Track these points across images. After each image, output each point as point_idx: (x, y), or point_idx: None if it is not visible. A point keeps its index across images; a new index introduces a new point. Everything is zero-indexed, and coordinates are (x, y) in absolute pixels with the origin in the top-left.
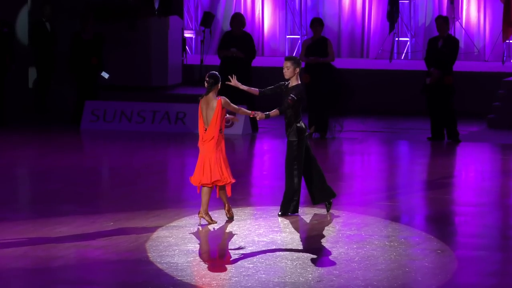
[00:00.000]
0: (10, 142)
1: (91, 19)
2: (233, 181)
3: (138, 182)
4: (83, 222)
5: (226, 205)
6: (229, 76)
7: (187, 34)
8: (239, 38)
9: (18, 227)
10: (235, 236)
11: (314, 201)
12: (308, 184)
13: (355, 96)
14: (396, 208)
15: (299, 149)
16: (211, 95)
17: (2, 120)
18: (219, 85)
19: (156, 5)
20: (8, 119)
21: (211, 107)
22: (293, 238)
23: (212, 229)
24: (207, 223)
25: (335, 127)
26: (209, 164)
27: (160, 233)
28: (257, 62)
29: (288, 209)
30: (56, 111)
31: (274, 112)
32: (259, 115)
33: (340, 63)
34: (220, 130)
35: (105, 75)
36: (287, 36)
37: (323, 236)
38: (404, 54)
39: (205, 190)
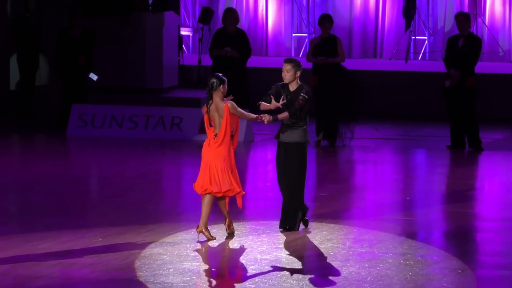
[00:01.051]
0: None
1: (80, 14)
2: (243, 192)
3: (130, 194)
4: (69, 237)
5: (227, 219)
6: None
7: (184, 32)
8: (233, 36)
9: None
10: (235, 254)
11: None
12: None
13: (367, 100)
14: (412, 223)
15: (306, 155)
16: (218, 99)
17: None
18: (224, 87)
19: (151, 0)
20: None
21: (220, 113)
22: (299, 256)
23: (210, 246)
24: (206, 239)
25: (345, 134)
26: (216, 172)
27: (154, 249)
28: (260, 62)
29: (296, 222)
30: (40, 115)
31: (283, 114)
32: (266, 118)
33: (351, 63)
34: (232, 136)
35: (94, 76)
36: (294, 34)
37: (332, 254)
38: (421, 54)
39: (207, 200)
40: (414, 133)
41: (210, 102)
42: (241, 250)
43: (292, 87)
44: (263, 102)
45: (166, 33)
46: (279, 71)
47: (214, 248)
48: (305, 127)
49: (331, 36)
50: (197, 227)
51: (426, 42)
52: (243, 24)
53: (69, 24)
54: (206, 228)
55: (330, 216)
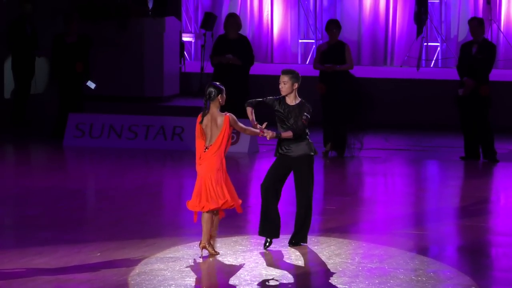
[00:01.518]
0: None
1: (76, 19)
2: (240, 201)
3: (129, 207)
4: (65, 252)
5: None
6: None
7: (186, 38)
8: (235, 42)
9: None
10: (240, 269)
11: (260, 233)
12: (265, 210)
13: (377, 109)
14: (424, 237)
15: (313, 167)
16: (215, 109)
17: None
18: (222, 97)
19: (150, 4)
20: None
21: (218, 124)
22: (306, 272)
23: (213, 261)
24: (209, 254)
25: (354, 144)
26: (211, 186)
27: (154, 265)
28: (265, 70)
29: (306, 235)
30: (35, 124)
31: (287, 133)
32: (269, 134)
33: (360, 71)
34: (225, 150)
35: (91, 84)
36: (300, 41)
37: (340, 270)
38: (433, 61)
39: (207, 217)
40: (426, 143)
41: (207, 112)
42: (247, 264)
43: (290, 100)
44: (249, 107)
45: (166, 39)
46: None
47: (217, 263)
48: (308, 138)
49: (339, 42)
50: (200, 243)
51: (439, 48)
52: (247, 29)
53: (65, 30)
54: (210, 244)
55: (339, 230)
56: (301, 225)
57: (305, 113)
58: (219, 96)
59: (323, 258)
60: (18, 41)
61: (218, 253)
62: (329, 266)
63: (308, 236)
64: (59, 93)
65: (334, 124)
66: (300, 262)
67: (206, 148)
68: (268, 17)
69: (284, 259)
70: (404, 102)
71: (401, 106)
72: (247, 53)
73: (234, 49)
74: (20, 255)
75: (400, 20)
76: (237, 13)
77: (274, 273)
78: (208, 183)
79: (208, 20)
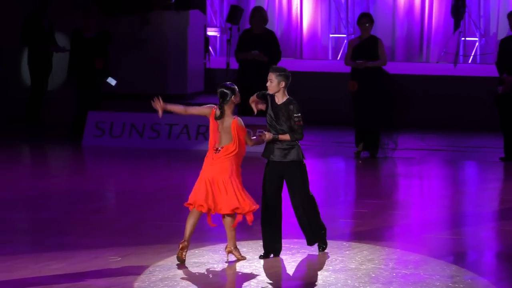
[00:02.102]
0: None
1: (95, 13)
2: (257, 206)
3: (150, 209)
4: (82, 257)
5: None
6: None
7: (211, 32)
8: (261, 37)
9: (3, 263)
10: (267, 275)
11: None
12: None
13: (411, 107)
14: (461, 243)
15: (306, 172)
16: (228, 111)
17: None
18: (236, 96)
19: None
20: None
21: (226, 127)
22: (337, 278)
23: (240, 267)
24: (236, 259)
25: (388, 144)
26: (224, 188)
27: (177, 271)
28: (295, 66)
29: (319, 238)
30: (52, 123)
31: (285, 136)
32: (267, 135)
33: (393, 67)
34: (216, 150)
35: (112, 81)
36: (331, 35)
37: (373, 276)
38: (471, 57)
39: (228, 222)
40: (463, 143)
41: (223, 112)
42: (273, 271)
43: (278, 99)
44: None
45: (191, 33)
46: (315, 75)
47: (243, 269)
48: (297, 144)
49: (371, 37)
50: (226, 247)
51: (477, 44)
52: (275, 23)
53: (83, 25)
54: (236, 248)
55: (371, 234)
56: (305, 226)
57: (294, 115)
58: (233, 97)
59: (355, 263)
60: (34, 36)
61: (245, 258)
62: (361, 272)
63: (339, 241)
64: (76, 91)
65: (366, 123)
66: (331, 268)
67: (217, 150)
68: (297, 11)
69: (313, 265)
70: (440, 100)
71: (437, 104)
72: (273, 48)
73: (260, 45)
74: (35, 260)
75: (437, 14)
76: (265, 6)
77: (304, 279)
78: (216, 186)
79: (234, 14)
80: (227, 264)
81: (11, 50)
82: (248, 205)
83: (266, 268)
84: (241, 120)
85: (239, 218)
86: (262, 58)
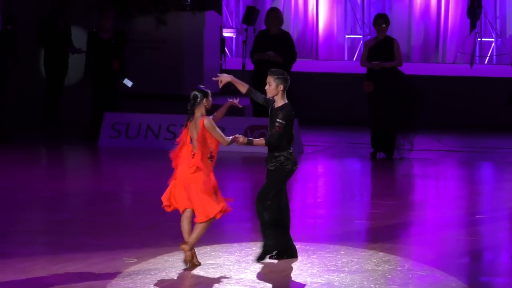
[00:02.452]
0: (13, 162)
1: (111, 14)
2: (229, 209)
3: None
4: (100, 258)
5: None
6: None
7: (227, 33)
8: (276, 38)
9: (21, 264)
10: (284, 276)
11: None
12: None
13: (427, 108)
14: (477, 243)
15: (283, 181)
16: (198, 114)
17: (2, 135)
18: (208, 100)
19: None
20: (11, 133)
21: (197, 130)
22: (353, 280)
23: (256, 268)
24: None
25: (404, 145)
26: (199, 198)
27: (194, 272)
28: (310, 67)
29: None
30: (69, 124)
31: (259, 141)
32: (240, 139)
33: (409, 68)
34: (210, 158)
35: (128, 82)
36: (347, 36)
37: (389, 277)
38: (488, 57)
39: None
40: (479, 144)
41: (191, 118)
42: (290, 271)
43: (276, 103)
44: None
45: (207, 34)
46: (330, 75)
47: (261, 270)
48: (286, 153)
49: (387, 37)
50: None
51: (493, 44)
52: (291, 24)
53: (100, 26)
54: (191, 250)
55: (387, 235)
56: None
57: (277, 119)
58: (204, 100)
59: (371, 265)
60: (51, 37)
61: (200, 264)
62: (377, 274)
63: (355, 242)
64: (93, 92)
65: (383, 124)
66: (347, 269)
67: (194, 155)
68: (313, 11)
69: (329, 267)
70: (457, 101)
71: (453, 105)
72: (289, 49)
73: (276, 46)
74: (52, 262)
75: (453, 14)
76: (281, 7)
77: (320, 281)
78: (195, 197)
79: (250, 15)
80: (242, 264)
81: (28, 50)
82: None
83: (283, 269)
84: (210, 119)
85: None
86: (278, 59)
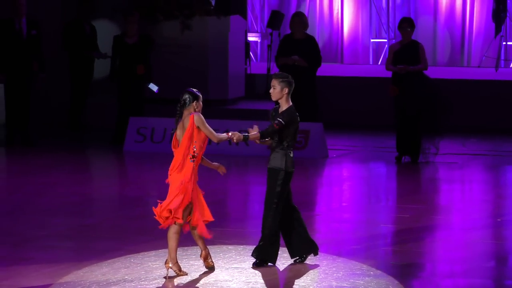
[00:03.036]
0: (38, 166)
1: (137, 19)
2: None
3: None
4: (125, 263)
5: (203, 251)
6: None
7: (252, 38)
8: (301, 42)
9: (47, 269)
10: (308, 280)
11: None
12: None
13: (453, 112)
14: (503, 247)
15: (284, 185)
16: (186, 114)
17: (28, 139)
18: (198, 104)
19: (213, 2)
20: (37, 138)
21: (185, 128)
22: (378, 283)
23: (281, 271)
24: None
25: (429, 149)
26: (173, 192)
27: (219, 276)
28: (335, 71)
29: (262, 254)
30: (94, 129)
31: (255, 135)
32: (236, 136)
33: (435, 72)
34: (193, 156)
35: (154, 87)
36: (372, 40)
37: (414, 282)
38: None
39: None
40: (505, 148)
41: (179, 119)
42: (315, 275)
43: (281, 107)
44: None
45: (231, 39)
46: (355, 80)
47: (285, 273)
48: (286, 151)
49: (412, 41)
50: (165, 262)
51: None
52: (316, 28)
53: (125, 31)
54: (175, 263)
55: (413, 239)
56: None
57: (278, 118)
58: (194, 103)
59: (397, 268)
60: (76, 42)
61: (186, 274)
62: (402, 278)
63: (378, 246)
64: (118, 97)
65: (407, 128)
66: (372, 273)
67: (193, 157)
68: (338, 15)
69: (354, 270)
70: (482, 105)
71: (479, 109)
72: (314, 54)
73: (301, 50)
74: (77, 266)
75: (478, 18)
76: (306, 11)
77: (345, 285)
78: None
79: (275, 19)
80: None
81: (54, 55)
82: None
83: (307, 273)
84: (199, 115)
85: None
86: (302, 63)
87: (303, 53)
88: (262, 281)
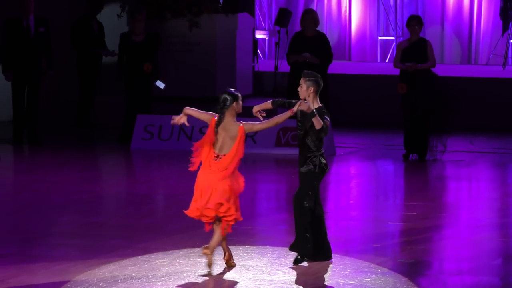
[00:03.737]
0: (46, 164)
1: (143, 17)
2: (240, 219)
3: None
4: (133, 261)
5: (226, 253)
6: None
7: (259, 35)
8: (312, 39)
9: (55, 267)
10: (315, 278)
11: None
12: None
13: (461, 110)
14: (510, 245)
15: (317, 183)
16: (229, 118)
17: (36, 137)
18: (238, 104)
19: (221, 0)
20: (45, 136)
21: (231, 135)
22: (386, 281)
23: (288, 269)
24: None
25: (437, 147)
26: (221, 192)
27: (227, 274)
28: (343, 68)
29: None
30: (101, 126)
31: (318, 121)
32: (305, 106)
33: (442, 69)
34: (217, 157)
35: (161, 84)
36: (379, 38)
37: (421, 279)
38: None
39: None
40: None
41: (222, 118)
42: (322, 273)
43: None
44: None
45: (239, 36)
46: (363, 77)
47: (292, 271)
48: (319, 154)
49: (420, 39)
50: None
51: None
52: (324, 26)
53: (132, 29)
54: (212, 253)
55: (420, 237)
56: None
57: (326, 117)
58: (234, 104)
59: (404, 266)
60: (84, 40)
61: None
62: (410, 275)
63: (388, 244)
64: (125, 94)
65: (415, 126)
66: (379, 271)
67: (218, 157)
68: (346, 13)
69: (362, 268)
70: (490, 102)
71: (486, 107)
72: (325, 51)
73: (312, 47)
74: (86, 264)
75: (485, 16)
76: (314, 8)
77: (352, 282)
78: (219, 191)
79: (283, 16)
80: (275, 266)
81: (62, 53)
82: (233, 210)
83: (314, 270)
84: (248, 123)
85: (223, 225)
86: (314, 61)
87: (314, 50)
88: (269, 279)
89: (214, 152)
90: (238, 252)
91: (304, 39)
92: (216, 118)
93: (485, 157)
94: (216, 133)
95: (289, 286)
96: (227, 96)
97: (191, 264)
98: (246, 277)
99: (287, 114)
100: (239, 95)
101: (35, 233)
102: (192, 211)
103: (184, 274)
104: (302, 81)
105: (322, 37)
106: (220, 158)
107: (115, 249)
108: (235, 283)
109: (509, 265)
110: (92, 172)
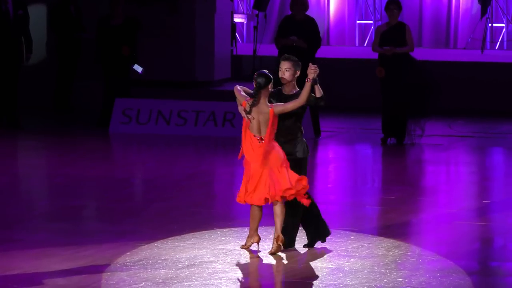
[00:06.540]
0: (25, 148)
1: (121, 1)
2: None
3: (179, 197)
4: (111, 244)
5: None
6: None
7: (237, 19)
8: (301, 23)
9: (34, 250)
10: (294, 263)
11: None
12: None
13: (440, 94)
14: (488, 229)
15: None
16: (263, 99)
17: (15, 121)
18: (271, 85)
19: None
20: (23, 120)
21: (265, 118)
22: (363, 265)
23: (264, 255)
24: (256, 247)
25: (415, 131)
26: (283, 173)
27: (204, 257)
28: (321, 52)
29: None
30: (80, 110)
31: (318, 87)
32: (316, 72)
33: (420, 53)
34: (260, 139)
35: (138, 68)
36: (358, 22)
37: (400, 262)
38: (498, 43)
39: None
40: (491, 130)
41: (256, 103)
42: (300, 258)
43: (289, 89)
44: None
45: (217, 20)
46: (341, 62)
47: (270, 256)
48: (304, 139)
49: (399, 23)
50: (277, 239)
51: (504, 30)
52: None
53: (110, 12)
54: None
55: (398, 221)
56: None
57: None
58: (269, 85)
59: (382, 250)
60: (63, 23)
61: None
62: (388, 259)
63: (366, 228)
64: (104, 78)
65: (393, 110)
66: (357, 254)
67: (262, 139)
68: None
69: (339, 252)
70: (468, 86)
71: (464, 91)
72: (313, 35)
73: (301, 31)
74: (64, 248)
75: (464, 0)
76: None
77: (330, 266)
78: (283, 172)
79: (261, 1)
80: (253, 251)
81: (40, 36)
82: (301, 184)
83: (293, 255)
84: (277, 106)
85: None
86: (301, 44)
87: (303, 35)
88: (246, 261)
89: (255, 136)
90: (217, 236)
91: (293, 23)
92: (248, 102)
93: (464, 141)
94: (248, 117)
95: (267, 270)
96: (263, 79)
97: (169, 248)
98: (224, 261)
99: (308, 86)
100: (271, 76)
101: (14, 217)
102: (259, 200)
103: (162, 257)
104: (288, 65)
105: (311, 21)
106: (264, 140)
107: (93, 233)
108: (213, 266)
109: (487, 249)
110: (70, 156)
